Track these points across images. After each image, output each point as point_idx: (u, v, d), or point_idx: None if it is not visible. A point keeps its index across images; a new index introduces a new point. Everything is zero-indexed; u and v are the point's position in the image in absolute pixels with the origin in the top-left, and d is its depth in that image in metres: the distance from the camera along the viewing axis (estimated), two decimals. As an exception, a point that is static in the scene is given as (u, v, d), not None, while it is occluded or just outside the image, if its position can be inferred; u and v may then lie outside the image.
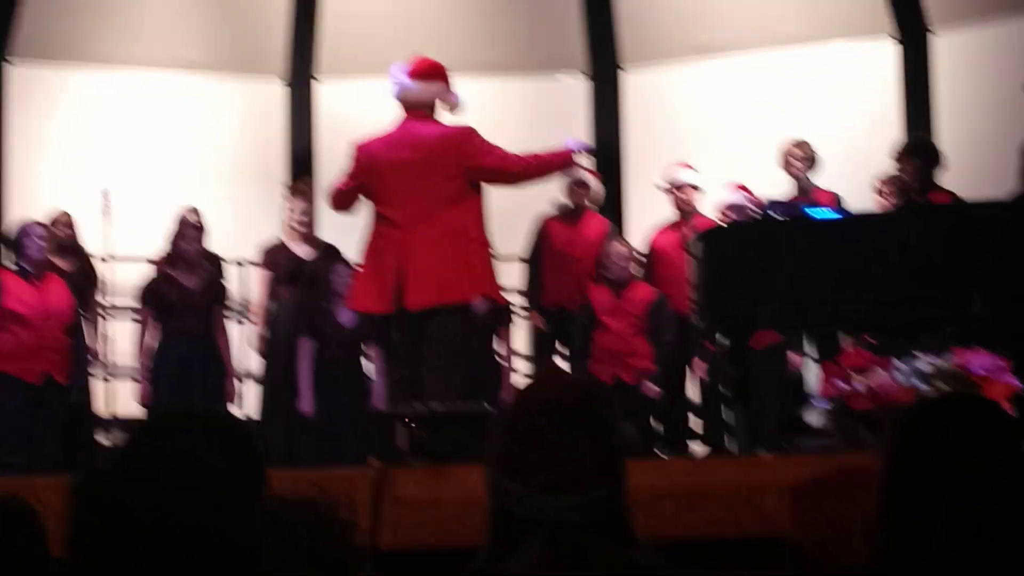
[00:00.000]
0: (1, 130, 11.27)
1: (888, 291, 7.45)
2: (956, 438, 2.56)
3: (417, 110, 7.93)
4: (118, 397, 9.63)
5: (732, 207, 9.64)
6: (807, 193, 9.63)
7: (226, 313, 9.88)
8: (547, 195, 9.71)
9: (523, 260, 9.95)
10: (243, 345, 10.70)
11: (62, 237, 9.69)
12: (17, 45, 11.36)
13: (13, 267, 9.24)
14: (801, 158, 9.75)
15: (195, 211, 9.95)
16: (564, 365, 9.86)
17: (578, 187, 9.72)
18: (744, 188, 9.76)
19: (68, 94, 11.49)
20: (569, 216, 9.89)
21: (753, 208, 9.55)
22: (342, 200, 8.11)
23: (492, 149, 7.82)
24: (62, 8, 11.42)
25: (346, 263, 9.58)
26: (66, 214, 9.81)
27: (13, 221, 9.73)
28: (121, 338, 9.82)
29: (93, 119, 11.52)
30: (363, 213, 8.08)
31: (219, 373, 9.55)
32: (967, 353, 6.96)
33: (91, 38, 11.52)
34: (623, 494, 2.47)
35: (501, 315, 9.64)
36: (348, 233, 9.26)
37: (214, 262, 9.81)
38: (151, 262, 9.90)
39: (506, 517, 2.48)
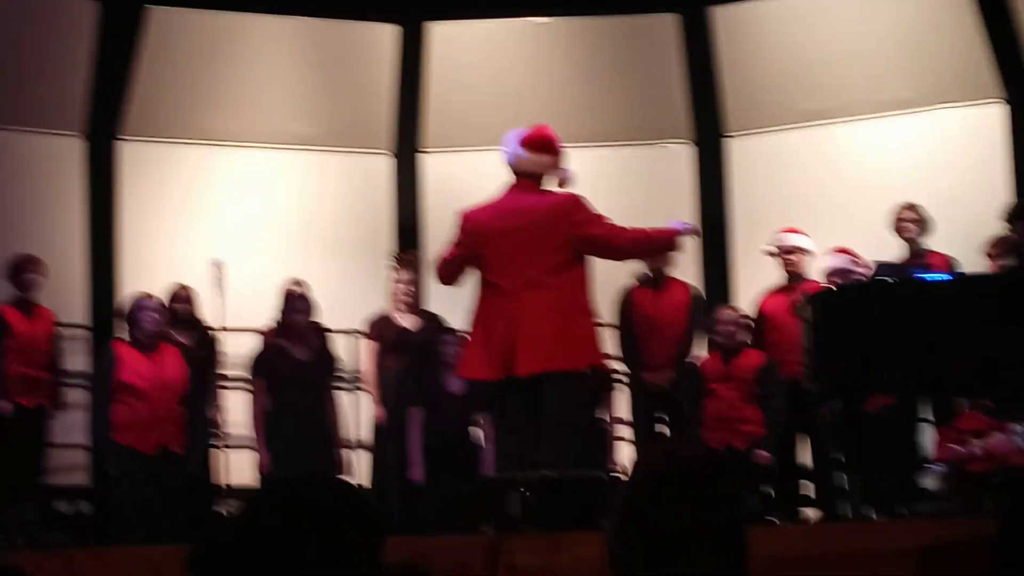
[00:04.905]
0: (114, 207, 11.43)
1: (1003, 354, 7.35)
2: None
3: (525, 179, 7.93)
4: (235, 467, 9.70)
5: (837, 271, 9.57)
6: (920, 256, 9.54)
7: (336, 384, 9.94)
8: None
9: (616, 330, 9.89)
10: (354, 415, 10.77)
11: (180, 311, 9.80)
12: (128, 124, 11.54)
13: (128, 339, 9.37)
14: (913, 221, 9.67)
15: (301, 283, 10.06)
16: (665, 431, 9.84)
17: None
18: (848, 251, 9.70)
19: (179, 170, 11.64)
20: (652, 283, 9.86)
21: (859, 271, 9.48)
22: (447, 271, 8.11)
23: (600, 220, 7.79)
24: (171, 87, 11.60)
25: (453, 332, 9.62)
26: (185, 288, 9.92)
27: (127, 295, 9.86)
28: (234, 408, 9.91)
29: (203, 194, 11.67)
30: (468, 284, 8.11)
31: (330, 444, 9.61)
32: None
33: (200, 116, 11.68)
34: (745, 565, 2.45)
35: (604, 382, 9.62)
36: (454, 304, 9.30)
37: (321, 334, 9.88)
38: (261, 333, 10.00)
39: (627, 587, 2.46)
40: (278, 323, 9.76)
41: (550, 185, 7.98)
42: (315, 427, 9.54)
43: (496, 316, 7.72)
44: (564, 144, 8.08)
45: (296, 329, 9.62)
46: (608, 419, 9.78)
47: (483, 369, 7.82)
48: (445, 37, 12.08)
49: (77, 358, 10.66)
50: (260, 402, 9.59)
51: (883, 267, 8.67)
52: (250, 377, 9.74)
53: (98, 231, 11.36)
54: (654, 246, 8.29)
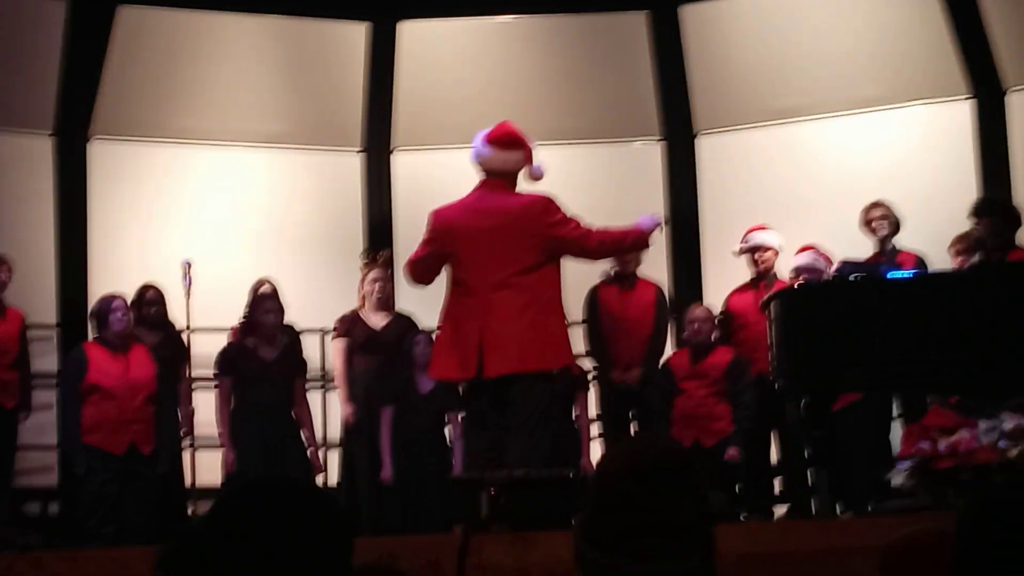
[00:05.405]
0: (85, 206, 11.40)
1: (969, 351, 7.37)
2: None
3: (494, 178, 7.92)
4: (205, 467, 9.69)
5: (804, 269, 9.60)
6: (889, 254, 9.57)
7: (306, 383, 9.94)
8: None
9: (584, 329, 9.94)
10: (323, 414, 10.78)
11: (149, 311, 9.77)
12: (98, 123, 11.52)
13: (97, 340, 9.36)
14: (882, 218, 9.70)
15: (271, 283, 10.04)
16: (635, 429, 9.86)
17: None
18: (815, 249, 9.73)
19: (149, 169, 11.61)
20: (620, 282, 9.89)
21: (825, 269, 9.51)
22: (418, 270, 8.10)
23: (571, 221, 7.80)
24: (142, 86, 11.57)
25: (423, 332, 9.62)
26: (155, 289, 9.89)
27: (97, 295, 9.83)
28: (203, 408, 9.89)
29: (174, 193, 11.64)
30: (439, 283, 8.11)
31: (298, 444, 9.59)
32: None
33: (170, 115, 11.65)
34: (714, 562, 2.45)
35: (577, 381, 9.64)
36: (425, 303, 9.31)
37: (291, 334, 9.87)
38: (229, 332, 9.99)
39: (595, 588, 2.45)
40: (245, 321, 9.75)
41: (523, 181, 7.99)
42: (282, 426, 9.53)
43: (467, 316, 7.72)
44: (532, 140, 8.08)
45: (263, 328, 9.61)
46: (580, 418, 9.78)
47: (453, 369, 7.83)
48: (415, 35, 12.07)
49: (47, 358, 10.64)
50: (225, 400, 9.58)
51: (847, 264, 8.69)
52: (216, 376, 9.72)
53: (69, 230, 11.33)
54: (625, 246, 8.31)
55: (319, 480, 9.90)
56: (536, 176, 7.99)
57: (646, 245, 8.36)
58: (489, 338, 7.62)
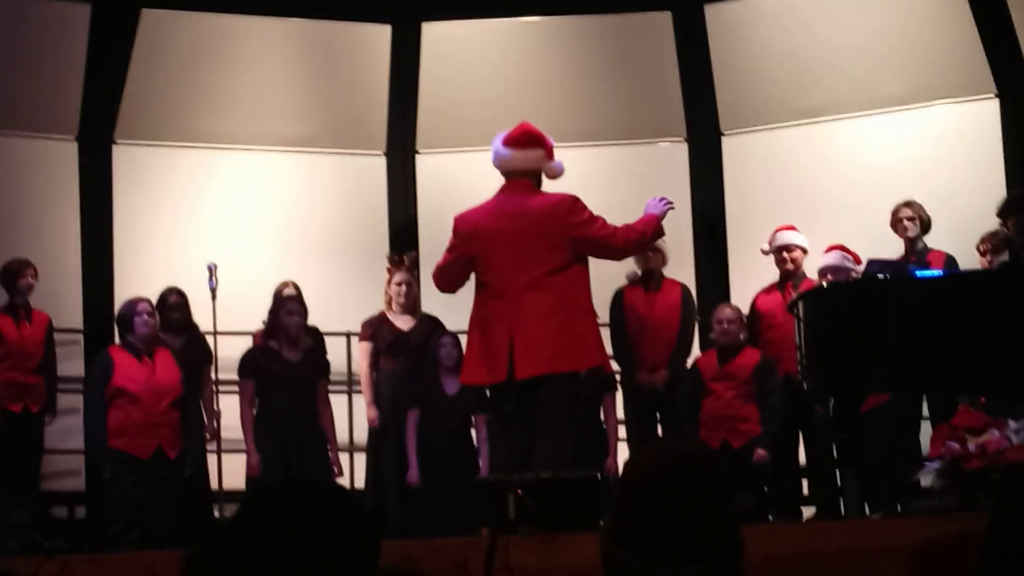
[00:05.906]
0: (110, 210, 11.42)
1: (999, 351, 7.32)
2: None
3: (516, 179, 7.89)
4: (230, 470, 9.68)
5: (831, 268, 9.56)
6: (919, 254, 9.52)
7: (329, 387, 9.92)
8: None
9: (610, 332, 9.90)
10: (349, 417, 10.78)
11: (173, 314, 9.77)
12: (122, 127, 11.54)
13: (123, 344, 9.36)
14: (912, 218, 9.65)
15: (294, 285, 10.04)
16: (661, 430, 9.84)
17: (651, 252, 9.68)
18: (842, 248, 9.69)
19: (173, 173, 11.64)
20: (645, 282, 9.86)
21: (853, 268, 9.47)
22: (445, 277, 8.08)
23: (597, 220, 7.78)
24: (165, 90, 11.59)
25: (449, 334, 9.61)
26: (176, 293, 9.90)
27: (122, 299, 9.84)
28: (228, 412, 9.89)
29: (198, 197, 11.67)
30: (466, 284, 8.09)
31: (321, 446, 9.57)
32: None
33: (194, 118, 11.68)
34: (741, 564, 2.43)
35: (605, 383, 9.62)
36: (450, 306, 9.29)
37: (315, 336, 9.86)
38: (252, 335, 9.99)
39: (622, 589, 2.44)
40: (268, 324, 9.74)
41: (545, 180, 7.96)
42: (304, 429, 9.51)
43: (495, 319, 7.70)
44: (552, 139, 8.05)
45: (287, 330, 9.59)
46: (608, 420, 9.77)
47: (484, 374, 7.81)
48: (439, 37, 12.07)
49: (73, 362, 10.66)
50: (249, 403, 9.57)
51: (873, 263, 8.65)
52: (239, 378, 9.71)
53: (93, 235, 11.36)
54: (647, 241, 8.27)
55: (342, 482, 9.87)
56: (555, 173, 7.97)
57: (663, 232, 8.30)
58: (520, 340, 7.59)
